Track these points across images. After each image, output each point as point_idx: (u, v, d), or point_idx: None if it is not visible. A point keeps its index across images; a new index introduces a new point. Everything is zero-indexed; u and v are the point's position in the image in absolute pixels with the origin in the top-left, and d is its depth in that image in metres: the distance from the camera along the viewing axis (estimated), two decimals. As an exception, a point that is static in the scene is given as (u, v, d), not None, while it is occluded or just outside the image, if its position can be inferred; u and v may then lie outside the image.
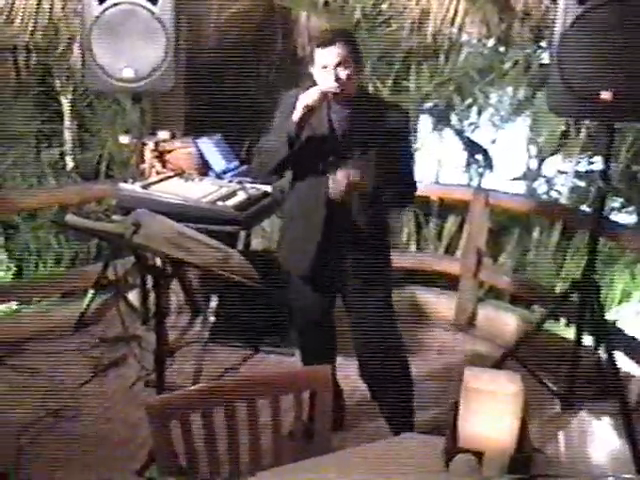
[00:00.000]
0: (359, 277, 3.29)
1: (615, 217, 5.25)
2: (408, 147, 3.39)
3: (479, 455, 1.77)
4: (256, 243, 5.25)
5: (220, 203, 3.70)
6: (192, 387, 2.23)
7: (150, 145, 4.33)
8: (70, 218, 2.79)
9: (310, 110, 2.98)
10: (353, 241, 3.23)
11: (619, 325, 4.34)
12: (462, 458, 1.78)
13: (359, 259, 3.26)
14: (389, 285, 3.41)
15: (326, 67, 3.00)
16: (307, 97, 2.97)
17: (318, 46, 3.03)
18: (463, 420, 1.81)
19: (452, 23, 4.94)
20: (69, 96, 5.38)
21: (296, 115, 2.98)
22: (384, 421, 3.46)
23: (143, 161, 4.32)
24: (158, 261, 3.24)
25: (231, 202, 3.74)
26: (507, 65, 5.25)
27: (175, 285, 4.58)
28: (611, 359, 3.52)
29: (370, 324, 3.32)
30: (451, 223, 5.37)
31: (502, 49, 5.26)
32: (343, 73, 2.99)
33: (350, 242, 3.23)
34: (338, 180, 3.04)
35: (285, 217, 3.48)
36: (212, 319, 4.25)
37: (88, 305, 4.55)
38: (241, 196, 3.83)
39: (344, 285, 3.34)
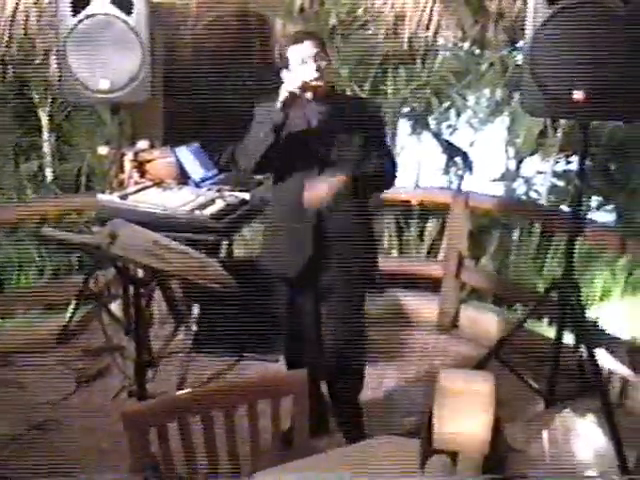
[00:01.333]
0: (342, 274, 3.35)
1: (594, 215, 5.28)
2: (383, 134, 3.54)
3: (454, 456, 1.78)
4: (238, 251, 5.26)
5: (198, 212, 3.70)
6: (168, 395, 2.23)
7: (129, 155, 4.32)
8: (46, 230, 2.79)
9: (293, 96, 3.11)
10: (339, 238, 3.29)
11: (600, 323, 4.35)
12: (437, 459, 1.79)
13: (344, 256, 3.32)
14: (369, 285, 3.52)
15: (304, 60, 3.18)
16: (290, 83, 3.12)
17: (294, 43, 3.22)
18: (437, 421, 1.82)
19: (427, 27, 4.96)
20: (47, 108, 5.36)
21: (281, 97, 3.10)
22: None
23: (122, 171, 4.31)
24: (139, 271, 3.24)
25: (209, 210, 3.74)
26: (483, 67, 5.27)
27: (158, 295, 4.58)
28: (592, 357, 3.53)
29: (339, 320, 3.46)
30: (432, 226, 5.38)
31: (478, 51, 5.28)
32: (322, 64, 3.19)
33: (337, 239, 3.29)
34: (310, 193, 3.14)
35: (268, 220, 3.54)
36: (195, 328, 4.25)
37: (71, 317, 4.54)
38: (219, 204, 3.83)
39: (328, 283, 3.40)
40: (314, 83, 3.15)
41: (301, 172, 3.24)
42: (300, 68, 3.18)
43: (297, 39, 3.24)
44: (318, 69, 3.16)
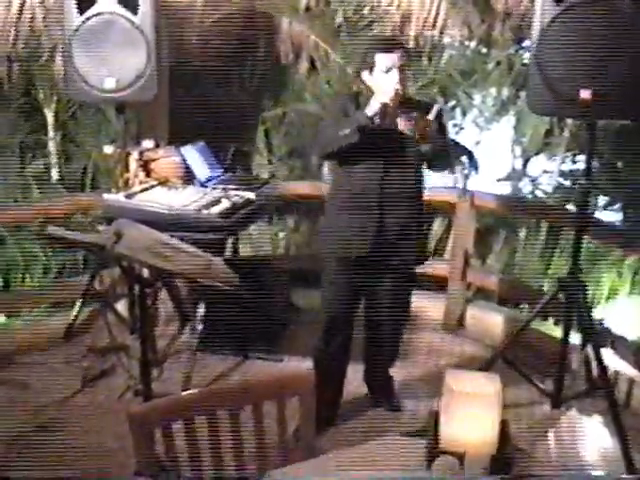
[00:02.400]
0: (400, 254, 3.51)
1: (600, 215, 5.26)
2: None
3: (460, 456, 1.78)
4: (244, 250, 5.26)
5: (204, 211, 3.70)
6: (174, 395, 2.23)
7: (134, 155, 4.32)
8: (52, 230, 2.78)
9: (385, 108, 3.24)
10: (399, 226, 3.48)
11: (607, 323, 4.34)
12: (443, 460, 1.78)
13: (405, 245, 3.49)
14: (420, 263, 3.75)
15: (390, 69, 3.28)
16: (384, 95, 3.24)
17: (383, 51, 3.32)
18: (444, 422, 1.81)
19: (433, 26, 4.95)
20: (53, 107, 5.36)
21: (371, 110, 3.24)
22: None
23: (127, 171, 4.31)
24: (145, 271, 3.23)
25: (215, 210, 3.75)
26: (490, 66, 5.25)
27: (164, 294, 4.57)
28: (598, 357, 3.52)
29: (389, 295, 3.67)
30: (438, 226, 5.36)
31: (484, 50, 5.26)
32: (406, 75, 3.34)
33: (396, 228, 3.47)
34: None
35: (334, 206, 3.61)
36: (200, 327, 4.25)
37: (76, 316, 4.54)
38: (225, 204, 3.84)
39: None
40: (399, 94, 3.26)
41: (368, 166, 3.39)
42: (386, 77, 3.29)
43: (388, 46, 3.35)
44: (402, 80, 3.27)
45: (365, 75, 3.38)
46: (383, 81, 3.30)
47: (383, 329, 3.76)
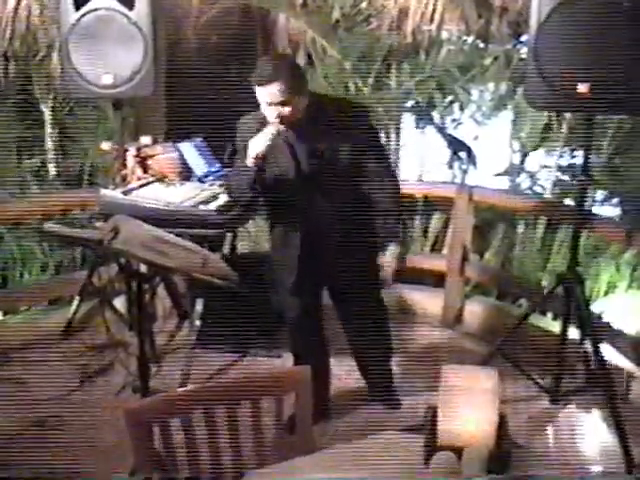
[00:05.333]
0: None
1: (599, 210, 5.26)
2: (376, 139, 3.44)
3: (459, 451, 1.77)
4: (242, 246, 5.25)
5: (202, 206, 3.69)
6: (171, 391, 2.23)
7: (132, 151, 4.31)
8: (49, 226, 2.78)
9: (262, 157, 3.05)
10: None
11: (605, 317, 4.34)
12: (441, 455, 1.78)
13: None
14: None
15: (270, 104, 3.02)
16: (256, 145, 3.04)
17: (258, 84, 3.02)
18: (442, 417, 1.81)
19: (431, 21, 4.94)
20: (50, 103, 5.35)
21: (249, 161, 3.07)
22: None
23: (125, 167, 4.30)
24: (143, 267, 3.23)
25: (213, 205, 3.74)
26: (487, 61, 5.25)
27: (162, 290, 4.57)
28: (597, 352, 3.52)
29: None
30: (436, 221, 5.36)
31: (482, 45, 5.25)
32: (286, 110, 3.03)
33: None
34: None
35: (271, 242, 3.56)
36: (198, 324, 4.24)
37: (74, 313, 4.54)
38: (223, 199, 3.83)
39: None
40: (280, 130, 3.05)
41: (294, 201, 3.25)
42: (266, 110, 3.07)
43: (261, 80, 3.00)
44: (281, 116, 3.02)
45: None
46: (266, 113, 3.07)
47: (359, 325, 3.65)
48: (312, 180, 3.21)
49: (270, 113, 3.05)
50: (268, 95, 3.00)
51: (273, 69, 2.99)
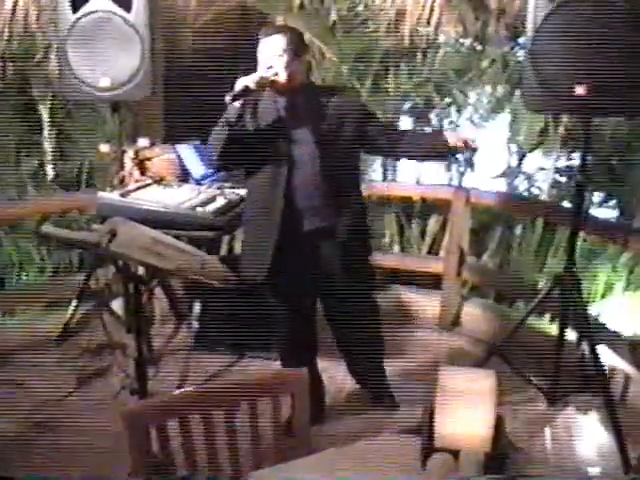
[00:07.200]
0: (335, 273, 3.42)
1: (596, 212, 5.26)
2: (370, 112, 3.49)
3: (455, 453, 1.78)
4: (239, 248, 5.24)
5: (199, 209, 3.69)
6: (168, 394, 2.23)
7: (130, 153, 4.31)
8: (46, 228, 2.78)
9: (246, 90, 3.07)
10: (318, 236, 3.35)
11: (602, 319, 4.34)
12: (438, 457, 1.78)
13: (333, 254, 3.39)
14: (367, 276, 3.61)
15: (265, 56, 3.17)
16: (245, 79, 3.09)
17: (264, 36, 3.20)
18: (439, 419, 1.81)
19: (428, 23, 4.95)
20: (48, 105, 5.35)
21: (234, 89, 3.08)
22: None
23: (123, 169, 4.30)
24: (140, 269, 3.23)
25: (210, 207, 3.74)
26: (484, 63, 5.25)
27: (159, 292, 4.57)
28: (594, 354, 3.52)
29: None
30: (433, 223, 5.36)
31: (479, 47, 5.26)
32: (279, 61, 3.14)
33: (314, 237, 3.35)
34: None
35: (244, 222, 3.54)
36: (196, 326, 4.24)
37: (72, 315, 4.53)
38: (220, 201, 3.83)
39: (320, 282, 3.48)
40: (271, 79, 3.14)
41: (270, 167, 3.26)
42: (260, 63, 3.19)
43: (264, 32, 3.22)
44: (270, 67, 3.14)
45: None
46: (259, 67, 3.19)
47: (348, 325, 3.63)
48: (295, 151, 3.25)
49: (265, 64, 3.16)
50: (270, 46, 3.17)
51: (280, 26, 3.60)
